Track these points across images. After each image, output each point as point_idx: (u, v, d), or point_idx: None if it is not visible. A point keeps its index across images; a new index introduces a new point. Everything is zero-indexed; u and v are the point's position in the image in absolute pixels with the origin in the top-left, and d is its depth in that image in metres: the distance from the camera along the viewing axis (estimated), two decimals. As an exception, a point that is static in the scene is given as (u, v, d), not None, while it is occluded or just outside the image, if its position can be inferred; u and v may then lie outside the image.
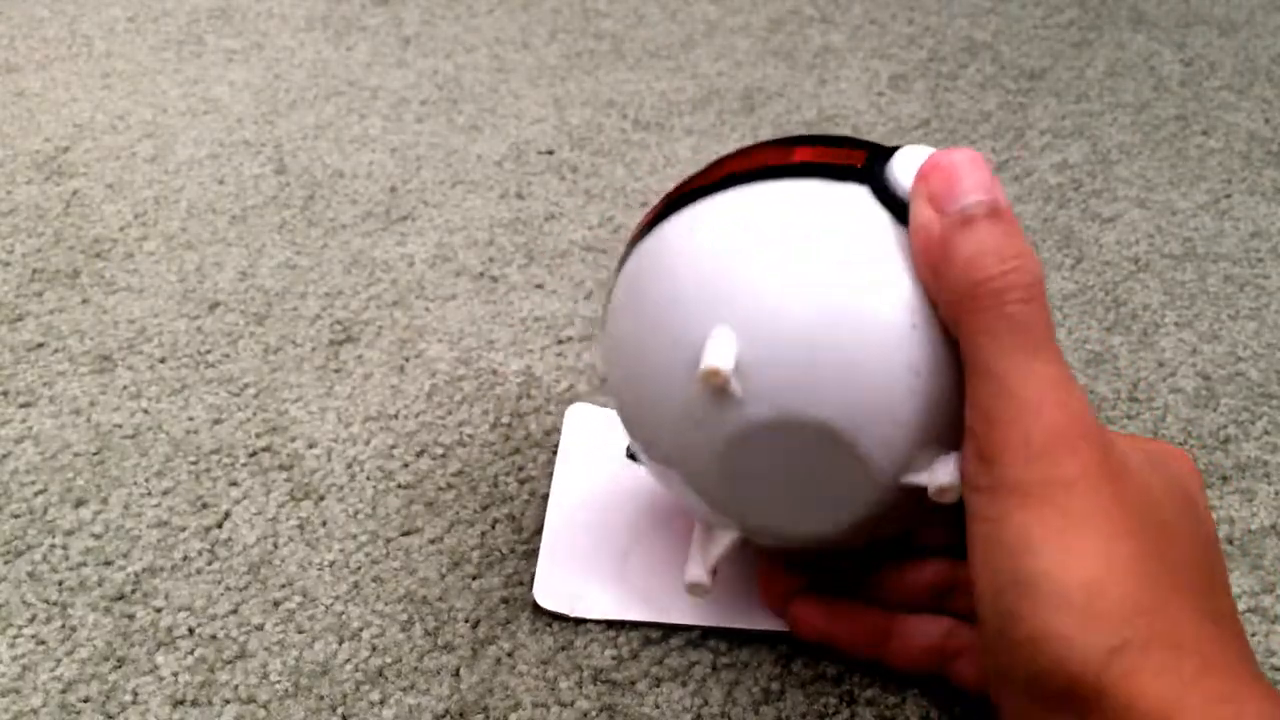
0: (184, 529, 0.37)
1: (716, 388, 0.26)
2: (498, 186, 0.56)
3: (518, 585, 0.35)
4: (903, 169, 0.26)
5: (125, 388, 0.42)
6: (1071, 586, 0.22)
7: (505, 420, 0.41)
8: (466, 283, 0.48)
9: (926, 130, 0.61)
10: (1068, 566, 0.23)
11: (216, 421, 0.41)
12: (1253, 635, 0.33)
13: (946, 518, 0.28)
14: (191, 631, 0.33)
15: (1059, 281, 0.49)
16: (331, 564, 0.35)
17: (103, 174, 0.56)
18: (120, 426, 0.41)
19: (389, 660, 0.32)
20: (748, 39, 0.73)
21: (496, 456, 0.40)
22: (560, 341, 0.45)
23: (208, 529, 0.37)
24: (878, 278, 0.26)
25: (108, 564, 0.35)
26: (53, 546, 0.36)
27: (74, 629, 0.33)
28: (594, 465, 0.39)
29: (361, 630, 0.33)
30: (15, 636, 0.33)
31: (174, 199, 0.54)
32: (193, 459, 0.39)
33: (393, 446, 0.40)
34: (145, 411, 0.41)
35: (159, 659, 0.32)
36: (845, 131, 0.61)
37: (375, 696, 0.31)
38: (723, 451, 0.27)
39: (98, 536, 0.36)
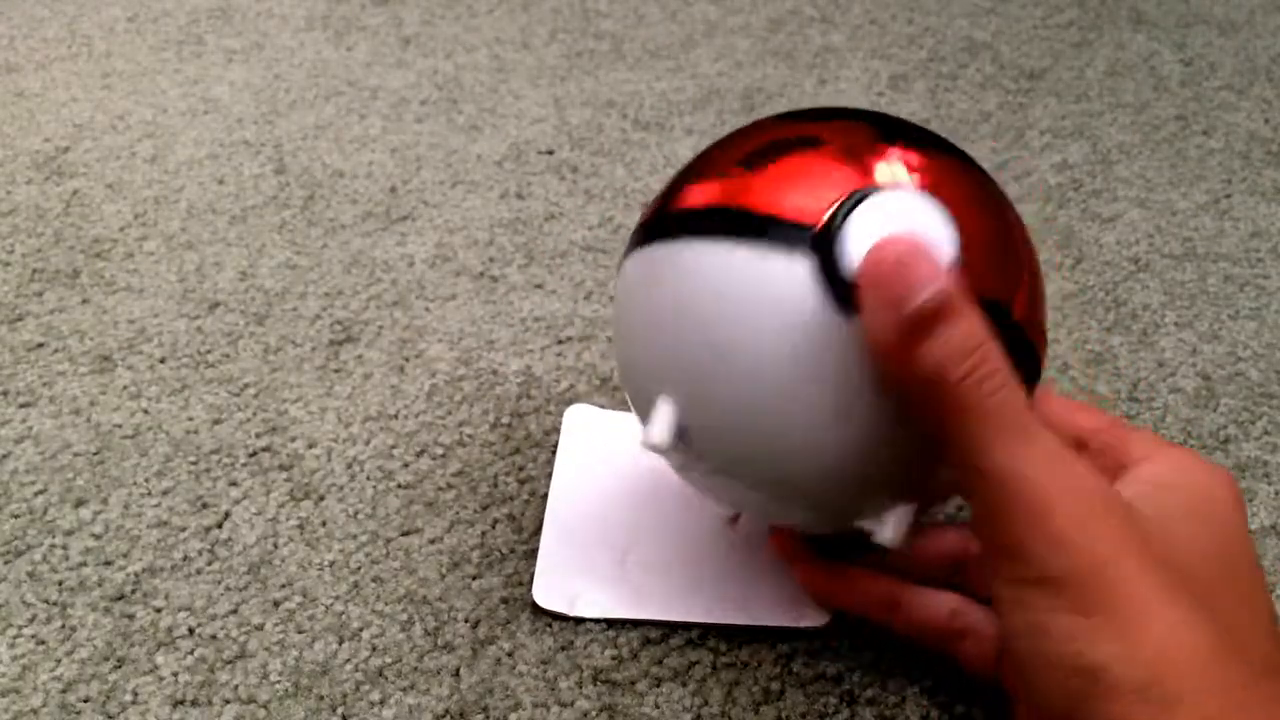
0: (184, 529, 0.37)
1: (660, 454, 0.29)
2: (498, 186, 0.56)
3: (518, 585, 0.35)
4: (855, 246, 0.25)
5: (125, 388, 0.42)
6: (1137, 678, 0.22)
7: (505, 420, 0.41)
8: (466, 283, 0.48)
9: (926, 130, 0.61)
10: (1127, 658, 0.22)
11: (216, 421, 0.41)
12: (1253, 635, 0.33)
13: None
14: (191, 631, 0.33)
15: (1059, 281, 0.49)
16: (331, 564, 0.35)
17: (103, 174, 0.56)
18: (120, 426, 0.41)
19: (389, 660, 0.32)
20: (748, 39, 0.72)
21: (496, 456, 0.40)
22: (560, 341, 0.45)
23: (208, 529, 0.37)
24: (810, 372, 0.26)
25: (108, 564, 0.35)
26: (53, 546, 0.36)
27: (74, 629, 0.33)
28: (593, 465, 0.39)
29: (361, 630, 0.33)
30: (15, 636, 0.33)
31: (174, 199, 0.54)
32: (193, 459, 0.39)
33: (393, 446, 0.40)
34: (145, 411, 0.41)
35: (159, 659, 0.32)
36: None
37: (375, 696, 0.31)
38: (693, 478, 0.31)
39: (98, 536, 0.36)
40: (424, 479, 0.39)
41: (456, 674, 0.32)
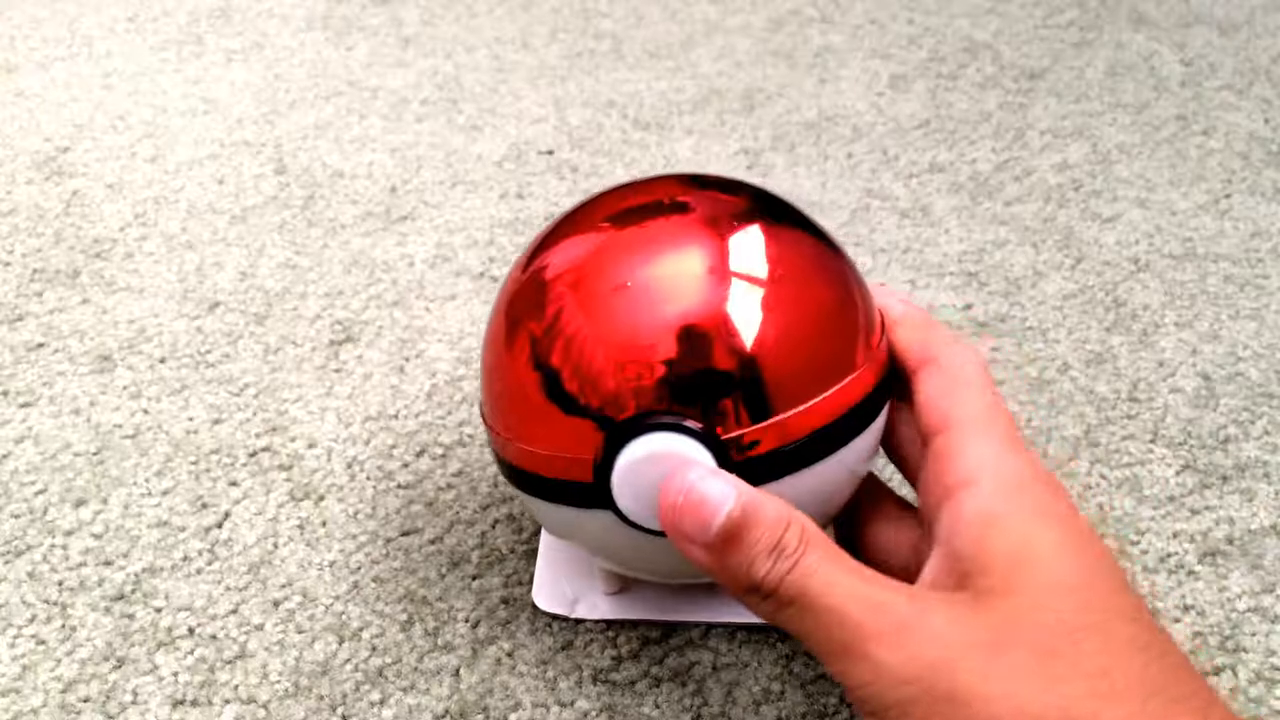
0: (184, 529, 0.37)
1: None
2: (498, 186, 0.56)
3: (518, 585, 0.35)
4: (623, 496, 0.27)
5: (125, 388, 0.42)
6: None
7: (505, 420, 0.41)
8: (466, 283, 0.48)
9: (926, 130, 0.61)
10: None
11: (216, 421, 0.41)
12: (1253, 635, 0.33)
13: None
14: (191, 631, 0.33)
15: (1059, 281, 0.49)
16: (331, 564, 0.35)
17: (103, 174, 0.56)
18: (120, 426, 0.41)
19: (389, 660, 0.32)
20: (748, 39, 0.73)
21: (496, 456, 0.40)
22: (560, 341, 0.45)
23: (208, 529, 0.37)
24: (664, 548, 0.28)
25: (108, 564, 0.35)
26: (53, 546, 0.36)
27: (74, 629, 0.33)
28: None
29: (361, 630, 0.33)
30: (15, 636, 0.33)
31: (174, 199, 0.54)
32: (193, 459, 0.39)
33: (393, 446, 0.40)
34: (145, 411, 0.41)
35: (159, 659, 0.32)
36: (845, 131, 0.61)
37: (375, 696, 0.31)
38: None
39: (98, 536, 0.36)
40: (424, 479, 0.39)
41: (456, 674, 0.32)
